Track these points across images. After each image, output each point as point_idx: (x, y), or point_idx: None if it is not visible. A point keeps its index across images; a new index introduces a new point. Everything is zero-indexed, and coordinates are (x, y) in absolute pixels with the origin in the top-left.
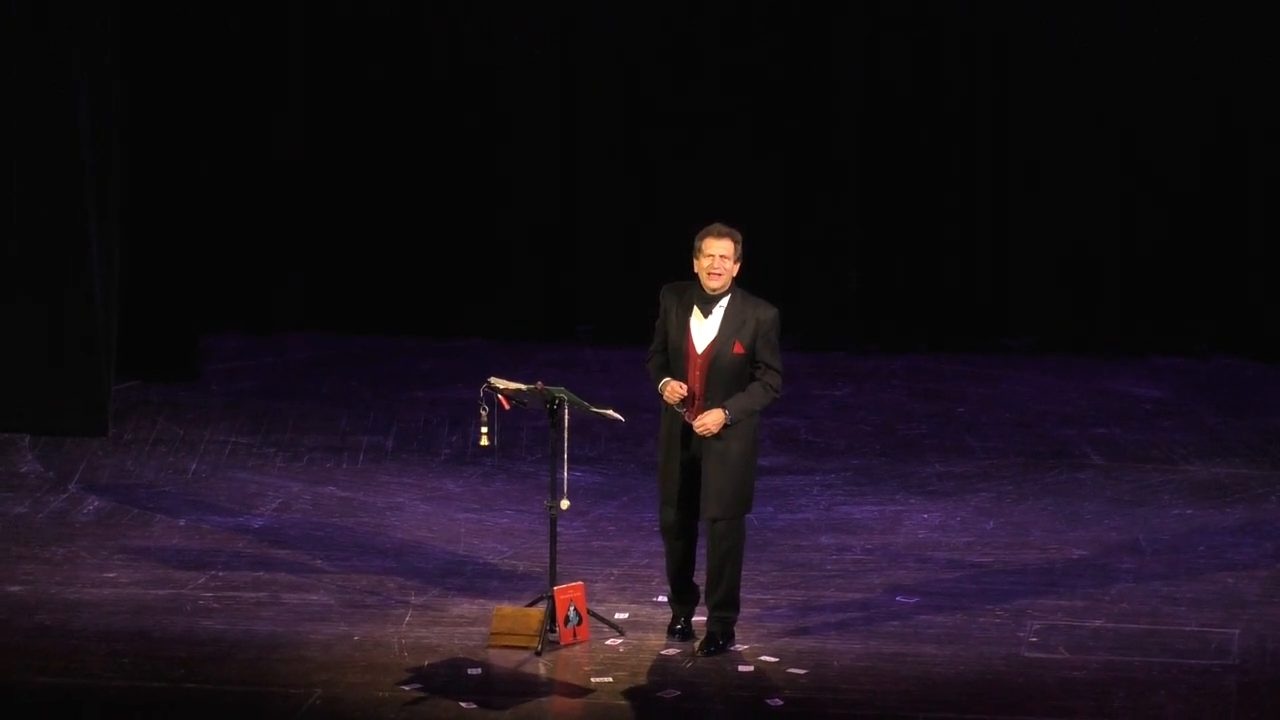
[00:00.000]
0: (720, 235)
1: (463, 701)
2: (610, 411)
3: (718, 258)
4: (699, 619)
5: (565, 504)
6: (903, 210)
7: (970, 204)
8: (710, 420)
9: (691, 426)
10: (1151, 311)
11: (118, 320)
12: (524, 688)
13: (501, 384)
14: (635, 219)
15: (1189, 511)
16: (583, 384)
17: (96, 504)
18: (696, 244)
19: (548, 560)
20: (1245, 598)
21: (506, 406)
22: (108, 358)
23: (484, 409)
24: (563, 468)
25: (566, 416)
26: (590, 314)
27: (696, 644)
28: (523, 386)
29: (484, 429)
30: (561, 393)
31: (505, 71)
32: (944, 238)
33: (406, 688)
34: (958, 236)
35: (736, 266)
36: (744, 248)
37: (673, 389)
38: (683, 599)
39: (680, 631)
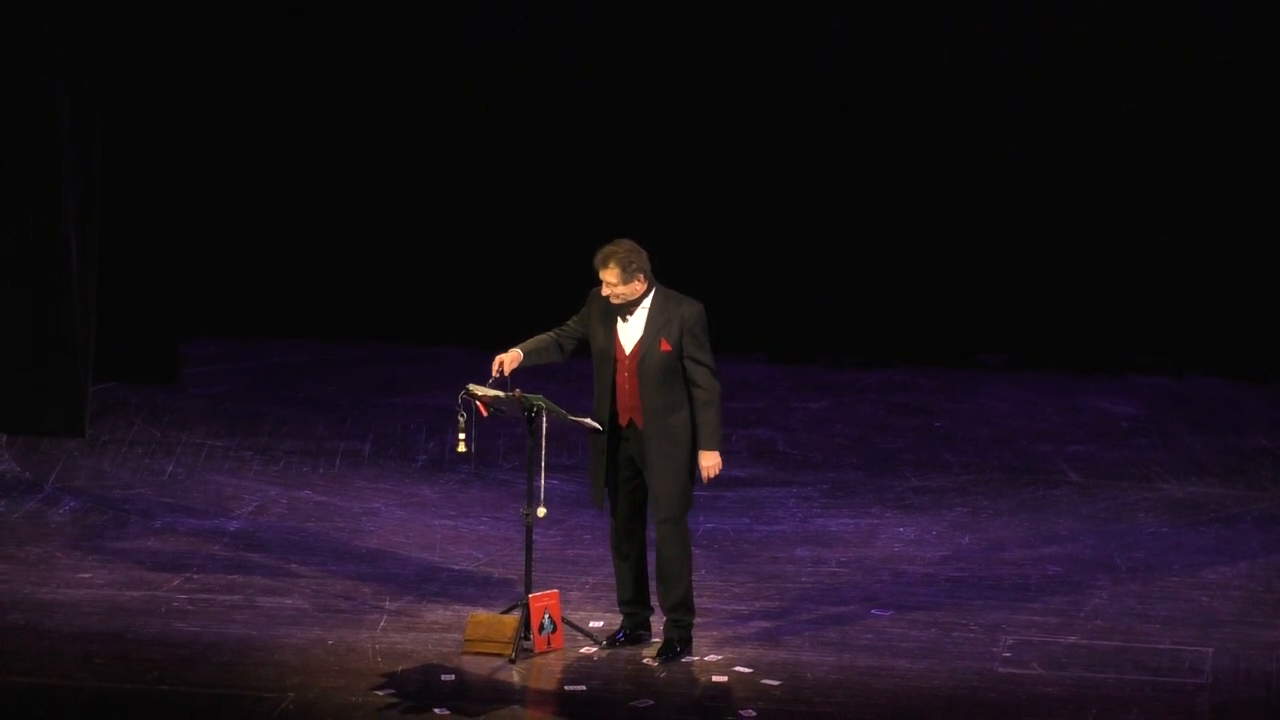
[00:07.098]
0: (601, 267)
1: (436, 708)
2: (588, 420)
3: (611, 285)
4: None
5: (541, 512)
6: (881, 225)
7: (949, 221)
8: (712, 465)
9: (619, 437)
10: (1128, 329)
11: (97, 322)
12: (497, 695)
13: (480, 391)
14: (612, 228)
15: (1164, 530)
16: (561, 393)
17: (72, 505)
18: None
19: (523, 568)
20: (1219, 617)
21: (484, 414)
22: (86, 359)
23: (461, 415)
24: (539, 476)
25: (544, 425)
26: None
27: (652, 652)
28: (501, 394)
29: (461, 435)
30: (539, 401)
31: (481, 82)
32: (923, 253)
33: (380, 693)
34: (936, 252)
35: (636, 276)
36: (659, 260)
37: (497, 361)
38: (629, 607)
39: (618, 641)
